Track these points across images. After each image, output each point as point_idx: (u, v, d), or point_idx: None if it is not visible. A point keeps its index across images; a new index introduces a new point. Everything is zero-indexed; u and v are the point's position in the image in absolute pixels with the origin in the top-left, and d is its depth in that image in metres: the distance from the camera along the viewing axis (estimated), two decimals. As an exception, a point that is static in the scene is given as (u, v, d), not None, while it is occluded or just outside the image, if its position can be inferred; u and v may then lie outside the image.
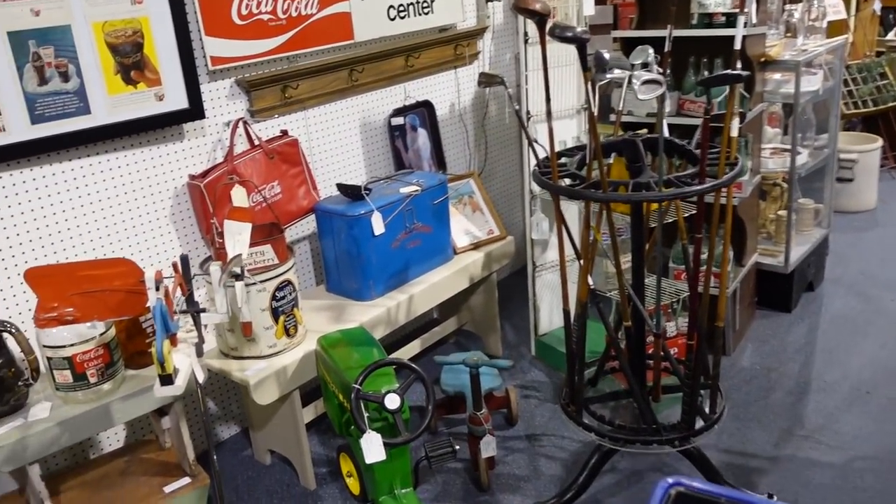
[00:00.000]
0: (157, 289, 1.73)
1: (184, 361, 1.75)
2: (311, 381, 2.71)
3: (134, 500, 2.30)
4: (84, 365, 2.08)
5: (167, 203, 2.72)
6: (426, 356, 3.54)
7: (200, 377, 1.79)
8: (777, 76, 3.58)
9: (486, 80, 2.44)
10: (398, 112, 3.49)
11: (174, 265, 1.84)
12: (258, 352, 2.57)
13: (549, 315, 3.58)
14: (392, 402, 2.10)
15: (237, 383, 2.53)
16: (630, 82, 2.08)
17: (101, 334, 2.09)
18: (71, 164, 2.46)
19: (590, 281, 2.31)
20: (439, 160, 3.70)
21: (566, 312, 2.39)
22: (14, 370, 2.07)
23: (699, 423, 2.38)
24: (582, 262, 2.32)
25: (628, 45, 3.42)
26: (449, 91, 3.76)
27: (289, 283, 2.58)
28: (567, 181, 2.25)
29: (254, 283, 2.09)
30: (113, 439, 2.73)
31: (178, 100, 2.63)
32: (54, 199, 2.43)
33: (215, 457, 2.01)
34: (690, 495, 1.38)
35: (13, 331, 2.05)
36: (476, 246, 3.39)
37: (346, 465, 2.66)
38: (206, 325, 1.93)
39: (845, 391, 3.10)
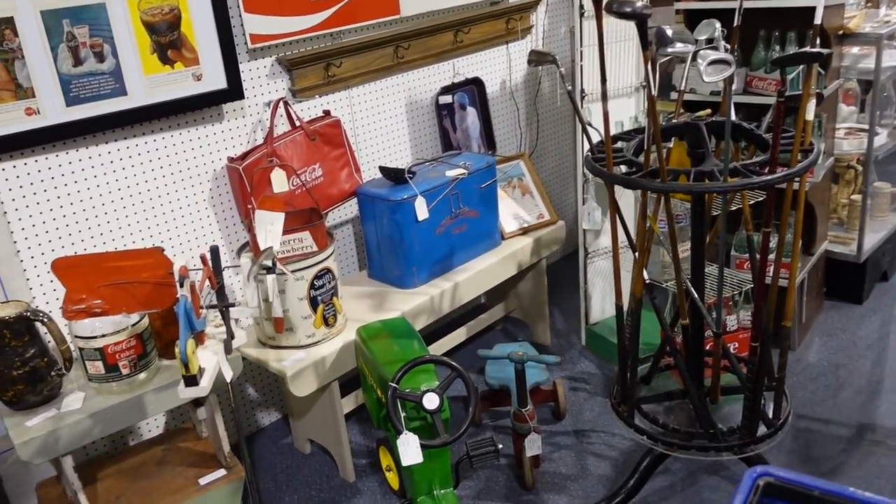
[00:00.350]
0: (182, 284, 1.65)
1: (210, 360, 1.67)
2: (352, 370, 2.62)
3: (168, 491, 2.25)
4: (116, 356, 2.02)
5: (205, 187, 2.65)
6: (472, 344, 3.43)
7: (228, 376, 1.71)
8: (855, 50, 3.31)
9: (537, 58, 2.29)
10: (446, 90, 3.35)
11: (202, 257, 1.76)
12: (296, 341, 2.49)
13: (602, 303, 3.43)
14: (430, 401, 2.00)
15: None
16: (694, 59, 1.89)
17: (134, 325, 2.03)
18: (107, 147, 2.39)
19: (645, 275, 2.15)
20: (489, 140, 3.55)
21: (618, 308, 2.23)
22: (47, 360, 2.03)
23: (761, 429, 2.21)
24: (637, 254, 2.16)
25: (692, 18, 3.19)
26: (500, 67, 3.59)
27: (328, 271, 2.49)
28: (623, 168, 2.08)
29: (283, 274, 1.98)
30: (153, 425, 2.69)
31: (216, 80, 2.54)
32: (90, 182, 2.37)
33: (247, 451, 1.93)
34: (780, 486, 1.23)
35: (45, 320, 2.00)
36: (525, 231, 3.25)
37: (386, 459, 2.58)
38: (236, 320, 1.84)
39: (922, 393, 2.88)
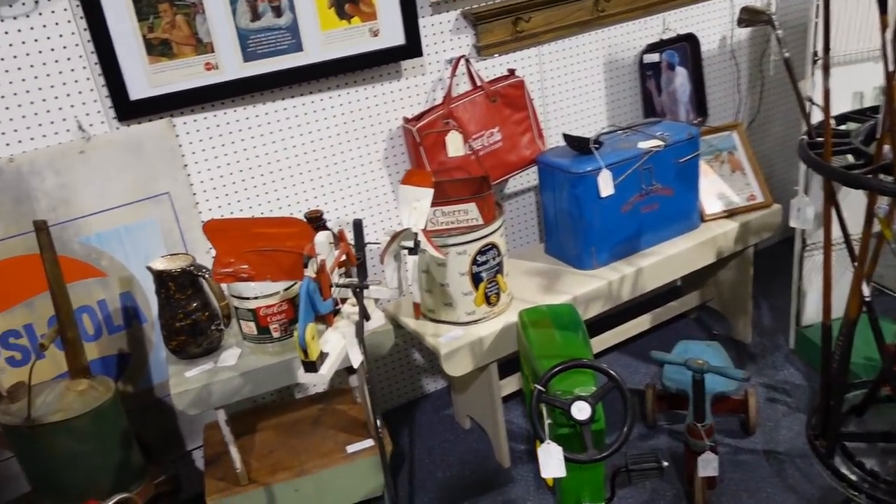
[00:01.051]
0: (307, 265, 1.56)
1: (337, 343, 1.58)
2: (514, 351, 2.45)
3: (317, 454, 2.25)
4: (267, 319, 2.01)
5: (380, 147, 2.57)
6: (658, 333, 3.12)
7: (355, 361, 1.61)
8: None
9: (749, 17, 1.90)
10: (653, 47, 2.99)
11: (340, 233, 1.66)
12: (455, 317, 2.36)
13: (818, 303, 2.92)
14: (581, 411, 1.77)
15: (432, 347, 2.36)
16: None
17: (286, 289, 2.00)
18: (283, 104, 2.37)
19: (865, 291, 1.75)
20: (699, 105, 3.15)
21: (825, 328, 1.84)
22: (208, 314, 2.07)
23: None
24: (856, 264, 1.75)
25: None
26: (720, 22, 3.14)
27: (493, 246, 2.32)
28: (850, 158, 1.68)
29: (425, 253, 1.82)
30: (317, 381, 2.72)
31: (394, 35, 2.42)
32: (265, 139, 2.37)
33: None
34: None
35: (207, 275, 2.04)
36: (730, 213, 2.84)
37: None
38: (376, 300, 1.73)
39: None
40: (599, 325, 2.80)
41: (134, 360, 2.31)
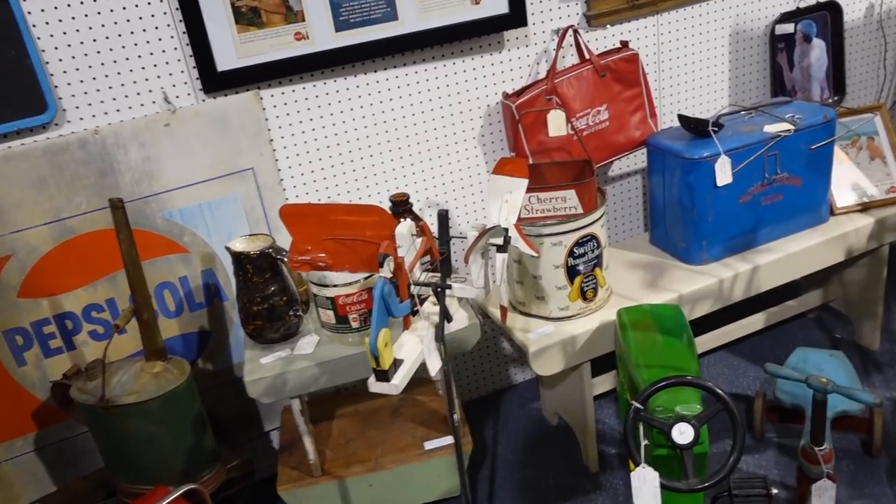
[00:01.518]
0: (382, 265, 1.42)
1: (414, 348, 1.44)
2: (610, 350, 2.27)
3: (394, 447, 2.15)
4: (346, 308, 1.91)
5: (476, 125, 2.40)
6: (771, 333, 2.85)
7: (433, 369, 1.48)
8: None
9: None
10: (788, 16, 2.67)
11: (422, 227, 1.51)
12: (547, 312, 2.19)
13: (963, 311, 2.60)
14: (683, 434, 1.58)
15: (519, 343, 2.20)
16: None
17: (366, 278, 1.89)
18: (376, 76, 2.23)
19: None
20: (837, 83, 2.81)
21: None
22: (287, 299, 1.98)
23: None
24: None
25: None
26: (868, -12, 2.77)
27: (592, 237, 2.12)
28: None
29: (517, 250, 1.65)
30: (400, 366, 2.62)
31: (496, 3, 2.23)
32: (356, 113, 2.25)
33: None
34: None
35: (286, 259, 1.94)
36: (865, 207, 2.53)
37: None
38: (459, 299, 1.59)
39: None
40: (705, 322, 2.56)
41: (214, 338, 2.27)
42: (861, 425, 2.29)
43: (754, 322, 2.71)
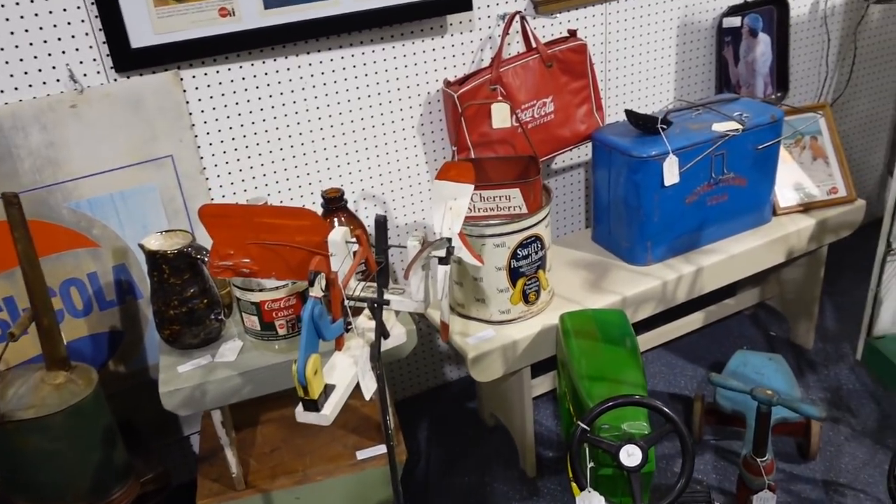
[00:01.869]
0: (313, 283, 1.28)
1: (347, 371, 1.31)
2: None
3: (323, 457, 2.02)
4: (273, 314, 1.76)
5: (417, 112, 2.26)
6: (709, 330, 2.83)
7: (368, 393, 1.36)
8: None
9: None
10: (736, 10, 2.61)
11: (358, 236, 1.37)
12: (487, 315, 2.09)
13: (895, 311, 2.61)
14: (631, 457, 1.50)
15: (457, 348, 2.09)
16: None
17: (295, 283, 1.74)
18: (308, 59, 2.07)
19: None
20: (781, 79, 2.78)
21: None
22: (208, 301, 1.82)
23: None
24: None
25: None
26: (815, -16, 2.74)
27: (536, 238, 2.03)
28: None
29: (459, 263, 1.54)
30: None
31: (439, -15, 2.08)
32: (285, 98, 2.08)
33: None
34: None
35: (207, 259, 1.78)
36: (806, 208, 2.51)
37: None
38: (397, 312, 1.47)
39: None
40: (645, 321, 2.51)
41: (127, 339, 2.09)
42: (798, 430, 2.28)
43: (693, 321, 2.68)
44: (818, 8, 2.79)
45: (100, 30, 1.81)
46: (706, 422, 2.38)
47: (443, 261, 1.39)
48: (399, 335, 1.47)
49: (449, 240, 1.40)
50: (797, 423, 2.26)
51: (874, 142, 3.23)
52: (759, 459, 1.92)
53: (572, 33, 2.29)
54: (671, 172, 2.16)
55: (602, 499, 1.49)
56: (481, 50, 2.28)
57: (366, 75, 2.15)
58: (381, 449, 2.03)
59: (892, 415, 2.43)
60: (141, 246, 1.76)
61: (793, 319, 2.80)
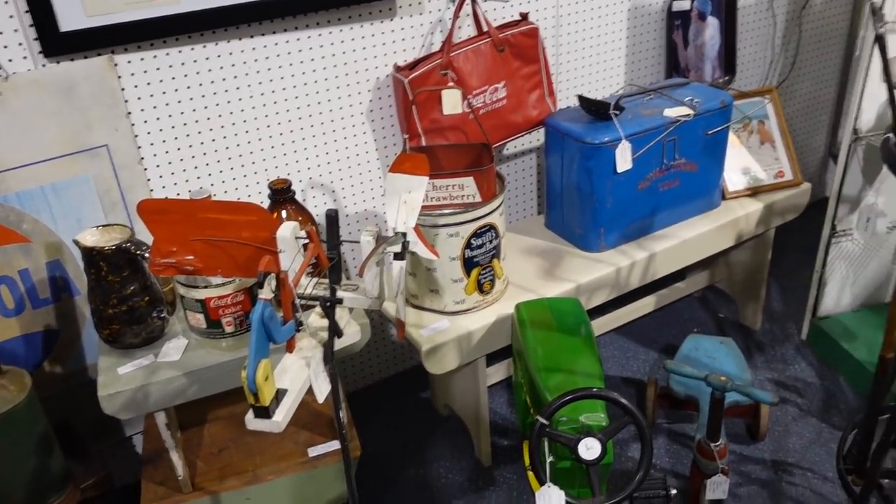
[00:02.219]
0: (262, 284, 1.22)
1: (299, 374, 1.26)
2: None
3: (274, 456, 1.97)
4: (219, 311, 1.69)
5: (366, 98, 2.19)
6: (659, 313, 2.85)
7: (321, 395, 1.31)
8: None
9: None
10: (685, -7, 2.60)
11: (310, 232, 1.32)
12: (441, 306, 2.05)
13: (839, 293, 2.67)
14: (590, 450, 1.49)
15: (411, 340, 2.05)
16: None
17: (242, 279, 1.67)
18: (252, 43, 1.98)
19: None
20: (728, 63, 2.78)
21: (883, 361, 1.56)
22: (149, 299, 1.74)
23: None
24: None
25: None
26: (761, -32, 2.75)
27: (491, 227, 1.99)
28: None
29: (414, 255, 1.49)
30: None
31: (387, -34, 2.01)
32: (228, 83, 1.99)
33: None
34: None
35: (148, 255, 1.69)
36: (754, 192, 2.53)
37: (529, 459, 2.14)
38: (350, 310, 1.42)
39: None
40: (598, 306, 2.51)
41: (63, 338, 1.99)
42: (748, 412, 2.31)
43: (644, 305, 2.70)
44: (765, -8, 2.81)
45: (26, 12, 1.70)
46: (659, 406, 2.40)
47: (398, 256, 1.34)
48: (353, 333, 1.42)
49: (404, 234, 1.35)
50: (747, 406, 2.29)
51: (816, 124, 3.28)
52: (712, 444, 1.93)
53: (524, 17, 2.25)
54: (624, 158, 2.14)
55: (562, 493, 1.48)
56: (431, 34, 2.22)
57: (312, 60, 2.07)
58: (334, 445, 1.98)
59: (837, 394, 2.49)
60: (76, 242, 1.66)
61: (741, 301, 2.84)
